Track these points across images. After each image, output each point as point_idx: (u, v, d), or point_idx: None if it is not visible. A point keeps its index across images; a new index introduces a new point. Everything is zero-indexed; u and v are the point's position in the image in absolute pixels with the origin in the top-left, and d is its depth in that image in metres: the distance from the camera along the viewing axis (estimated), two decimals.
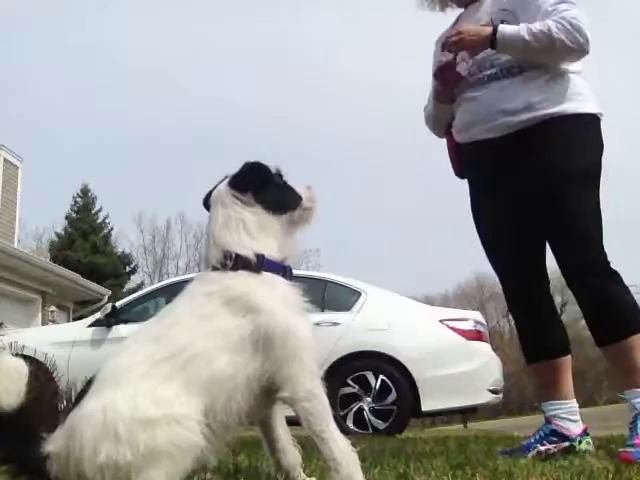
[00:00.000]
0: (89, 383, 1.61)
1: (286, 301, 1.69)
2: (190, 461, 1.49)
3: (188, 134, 49.27)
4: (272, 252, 1.75)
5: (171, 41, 49.99)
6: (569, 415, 2.64)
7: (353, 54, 52.55)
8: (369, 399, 5.92)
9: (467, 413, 10.15)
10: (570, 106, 2.52)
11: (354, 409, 5.89)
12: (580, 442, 2.57)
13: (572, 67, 2.57)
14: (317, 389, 1.65)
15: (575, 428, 2.62)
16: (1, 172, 14.63)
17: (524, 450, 2.60)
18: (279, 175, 1.86)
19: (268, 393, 1.65)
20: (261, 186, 1.79)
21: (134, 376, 1.52)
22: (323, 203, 1.94)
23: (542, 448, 2.52)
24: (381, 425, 5.87)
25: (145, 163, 50.83)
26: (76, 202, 30.20)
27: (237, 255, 1.71)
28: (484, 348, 6.42)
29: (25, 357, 5.83)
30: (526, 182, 2.55)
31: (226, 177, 1.86)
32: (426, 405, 5.99)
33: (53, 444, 1.52)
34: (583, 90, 2.59)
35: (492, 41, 2.49)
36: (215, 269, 1.73)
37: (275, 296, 1.68)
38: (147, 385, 1.50)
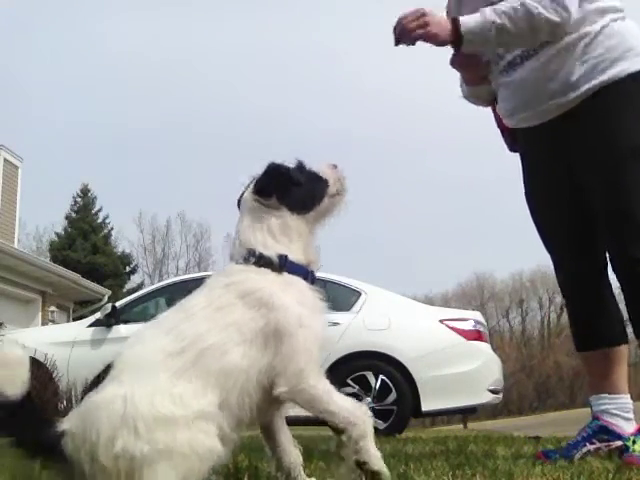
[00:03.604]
0: (105, 371, 1.61)
1: (302, 301, 1.69)
2: (206, 465, 1.49)
3: (188, 134, 49.33)
4: (296, 255, 1.77)
5: (171, 41, 50.06)
6: (620, 411, 2.38)
7: (353, 51, 52.56)
8: (369, 399, 5.91)
9: (467, 413, 10.16)
10: (622, 67, 2.21)
11: None
12: (635, 442, 2.28)
13: (613, 15, 2.25)
14: (320, 383, 1.65)
15: (627, 426, 2.36)
16: (1, 172, 14.64)
17: (570, 450, 2.38)
18: (301, 168, 1.85)
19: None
20: (283, 188, 1.79)
21: (151, 369, 1.53)
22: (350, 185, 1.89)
23: (591, 447, 2.34)
24: (381, 425, 5.84)
25: (145, 163, 50.91)
26: (76, 202, 30.22)
27: (261, 254, 1.73)
28: (484, 348, 6.42)
29: None
30: (581, 161, 2.32)
31: (253, 179, 1.86)
32: (426, 405, 6.00)
33: (69, 423, 1.52)
34: (635, 41, 2.25)
35: (456, 40, 2.17)
36: (238, 263, 1.75)
37: (290, 295, 1.68)
38: (164, 380, 1.51)
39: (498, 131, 2.68)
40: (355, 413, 1.64)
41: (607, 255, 2.39)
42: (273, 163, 1.83)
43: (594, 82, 2.23)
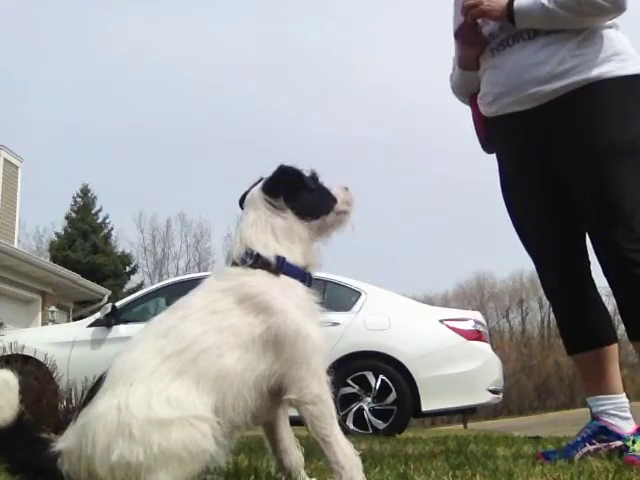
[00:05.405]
0: (99, 381, 1.60)
1: (300, 304, 1.69)
2: (199, 466, 1.50)
3: (188, 134, 49.31)
4: (295, 258, 1.75)
5: (171, 41, 50.06)
6: (618, 411, 2.37)
7: (346, 49, 52.57)
8: (369, 399, 5.93)
9: (467, 413, 10.15)
10: (609, 68, 2.26)
11: (354, 409, 5.89)
12: (634, 442, 2.28)
13: (609, 22, 2.32)
14: (324, 394, 1.65)
15: (626, 426, 2.35)
16: (1, 172, 14.64)
17: (570, 450, 2.38)
18: (314, 178, 1.86)
19: (276, 394, 1.65)
20: (293, 191, 1.79)
21: (145, 373, 1.52)
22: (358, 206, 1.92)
23: (591, 448, 2.34)
24: (381, 425, 5.87)
25: (145, 163, 50.87)
26: (76, 202, 30.19)
27: (258, 254, 1.72)
28: (484, 348, 6.42)
29: (25, 357, 5.81)
30: (561, 157, 2.33)
31: (261, 179, 1.86)
32: (426, 405, 5.99)
33: (65, 442, 1.52)
34: (623, 47, 2.32)
35: (509, 14, 2.26)
36: (234, 265, 1.74)
37: (289, 298, 1.68)
38: (159, 383, 1.51)
39: (474, 131, 2.64)
40: (350, 458, 1.63)
41: (591, 253, 2.38)
42: (285, 165, 1.83)
43: (582, 76, 2.26)
